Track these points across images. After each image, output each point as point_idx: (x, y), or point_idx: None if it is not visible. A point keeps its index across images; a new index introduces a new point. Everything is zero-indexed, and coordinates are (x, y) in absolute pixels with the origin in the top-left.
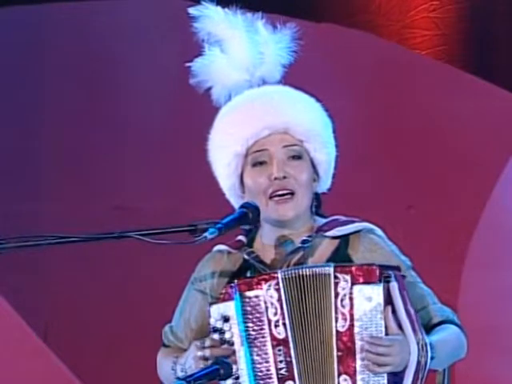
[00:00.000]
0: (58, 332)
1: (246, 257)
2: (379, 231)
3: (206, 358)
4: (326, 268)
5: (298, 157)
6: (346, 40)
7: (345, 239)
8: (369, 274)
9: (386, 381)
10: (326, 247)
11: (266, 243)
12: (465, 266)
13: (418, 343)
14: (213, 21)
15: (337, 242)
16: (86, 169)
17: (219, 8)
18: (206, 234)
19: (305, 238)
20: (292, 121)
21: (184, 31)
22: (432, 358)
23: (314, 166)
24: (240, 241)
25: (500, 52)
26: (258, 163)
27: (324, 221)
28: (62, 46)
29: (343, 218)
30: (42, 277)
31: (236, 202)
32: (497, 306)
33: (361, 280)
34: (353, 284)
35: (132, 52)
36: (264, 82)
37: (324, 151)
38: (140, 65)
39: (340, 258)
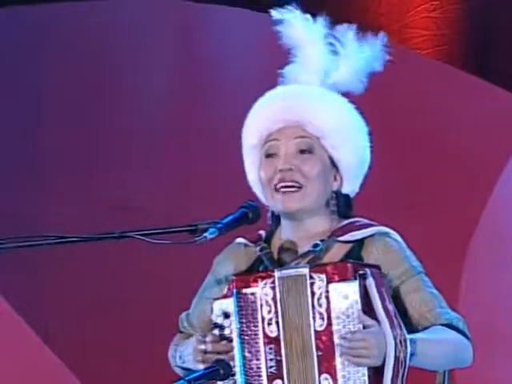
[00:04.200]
0: (59, 332)
1: (258, 252)
2: (395, 235)
3: (205, 352)
4: (302, 269)
5: (308, 150)
6: None
7: (359, 242)
8: (343, 272)
9: (366, 377)
10: (337, 250)
11: (283, 238)
12: (465, 266)
13: (395, 338)
14: (291, 25)
15: (350, 245)
16: (86, 169)
17: (299, 12)
18: (206, 234)
19: (316, 242)
20: (307, 115)
21: (184, 31)
22: (412, 355)
23: (335, 165)
24: (259, 235)
25: (500, 52)
26: (269, 155)
27: (340, 224)
28: (62, 46)
29: (361, 222)
30: (42, 277)
31: (261, 196)
32: (497, 305)
33: (336, 278)
34: (328, 283)
35: (133, 52)
36: (337, 90)
37: (344, 149)
38: (141, 65)
39: (353, 260)
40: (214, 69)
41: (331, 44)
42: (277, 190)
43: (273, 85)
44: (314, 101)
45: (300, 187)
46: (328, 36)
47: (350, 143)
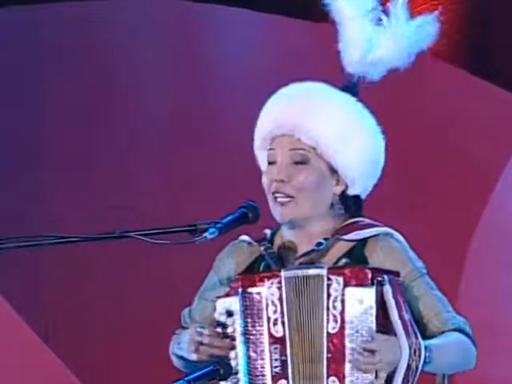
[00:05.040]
0: (59, 332)
1: (262, 251)
2: (399, 236)
3: (201, 344)
4: (320, 269)
5: (303, 162)
6: None
7: (362, 241)
8: (360, 277)
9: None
10: (339, 248)
11: (285, 239)
12: (465, 267)
13: (410, 347)
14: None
15: (353, 243)
16: (86, 169)
17: None
18: (205, 234)
19: (319, 241)
20: (301, 125)
21: (184, 31)
22: (427, 363)
23: (335, 171)
24: (264, 234)
25: (500, 52)
26: (269, 162)
27: (343, 224)
28: (62, 46)
29: (364, 222)
30: (43, 277)
31: None
32: (497, 306)
33: (353, 282)
34: (345, 286)
35: (133, 52)
36: (379, 65)
37: (340, 157)
38: (140, 65)
39: (355, 258)
40: (214, 69)
41: (379, 19)
42: (274, 196)
43: (273, 84)
44: (309, 109)
45: (292, 197)
46: (376, 10)
47: (347, 149)
